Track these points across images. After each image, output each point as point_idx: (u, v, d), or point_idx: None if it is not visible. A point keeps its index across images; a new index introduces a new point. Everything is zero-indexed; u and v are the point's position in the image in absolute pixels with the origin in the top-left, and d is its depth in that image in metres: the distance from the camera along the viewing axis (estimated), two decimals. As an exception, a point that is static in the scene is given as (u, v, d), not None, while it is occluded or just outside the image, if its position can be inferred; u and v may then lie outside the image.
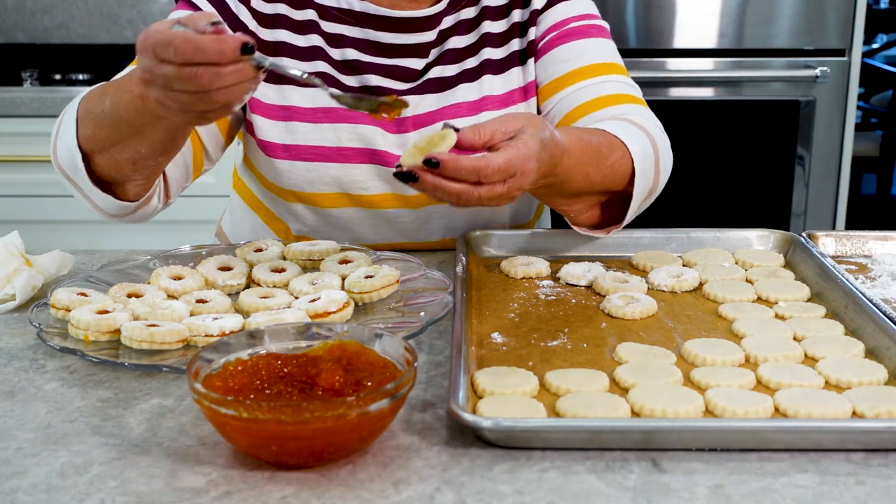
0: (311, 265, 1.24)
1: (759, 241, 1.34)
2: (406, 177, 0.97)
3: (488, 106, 1.38)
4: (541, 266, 1.26)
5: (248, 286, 1.19)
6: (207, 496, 0.77)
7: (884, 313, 1.04)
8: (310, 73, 1.06)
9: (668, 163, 1.32)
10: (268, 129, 1.36)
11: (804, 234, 1.32)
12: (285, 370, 0.86)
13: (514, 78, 1.41)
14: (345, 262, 1.22)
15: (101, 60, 3.00)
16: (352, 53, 1.37)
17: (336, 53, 1.37)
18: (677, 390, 0.90)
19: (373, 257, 1.26)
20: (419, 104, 1.37)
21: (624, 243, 1.34)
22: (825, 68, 2.62)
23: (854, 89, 2.68)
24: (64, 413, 0.91)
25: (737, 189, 2.72)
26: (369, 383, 0.83)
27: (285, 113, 1.36)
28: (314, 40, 1.37)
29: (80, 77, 2.84)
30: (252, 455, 0.82)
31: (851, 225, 2.92)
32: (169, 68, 0.94)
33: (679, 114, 2.68)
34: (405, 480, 0.79)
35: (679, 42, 2.66)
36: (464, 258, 1.24)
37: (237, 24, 1.36)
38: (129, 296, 1.12)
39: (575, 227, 1.31)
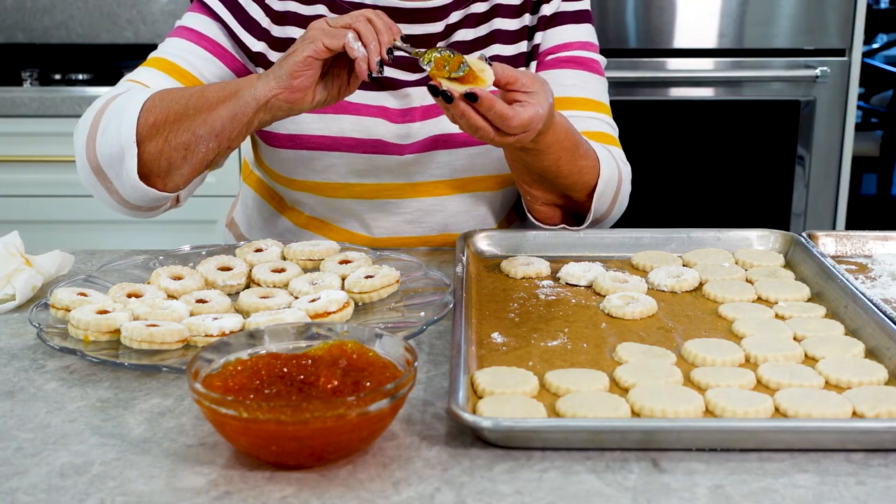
0: (311, 265, 1.24)
1: (759, 241, 1.34)
2: (443, 95, 1.08)
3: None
4: (541, 266, 1.26)
5: (248, 286, 1.19)
6: (207, 496, 0.77)
7: (884, 313, 1.04)
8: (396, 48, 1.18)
9: (625, 200, 1.41)
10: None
11: (804, 234, 1.32)
12: (285, 370, 0.86)
13: None
14: (345, 262, 1.22)
15: (100, 60, 3.00)
16: None
17: None
18: (677, 390, 0.90)
19: (373, 257, 1.26)
20: (425, 96, 1.38)
21: (624, 243, 1.34)
22: (825, 68, 2.62)
23: (854, 89, 2.68)
24: (64, 413, 0.91)
25: (737, 189, 2.72)
26: (369, 383, 0.83)
27: None
28: None
29: (80, 77, 2.84)
30: (252, 455, 0.82)
31: (851, 225, 2.91)
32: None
33: (679, 114, 2.68)
34: (405, 480, 0.79)
35: (679, 42, 2.66)
36: (464, 258, 1.24)
37: (249, 23, 1.37)
38: (129, 296, 1.12)
39: (530, 216, 1.37)
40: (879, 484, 0.79)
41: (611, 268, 1.27)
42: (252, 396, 0.82)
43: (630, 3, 2.60)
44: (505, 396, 0.89)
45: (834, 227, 2.77)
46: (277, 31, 1.38)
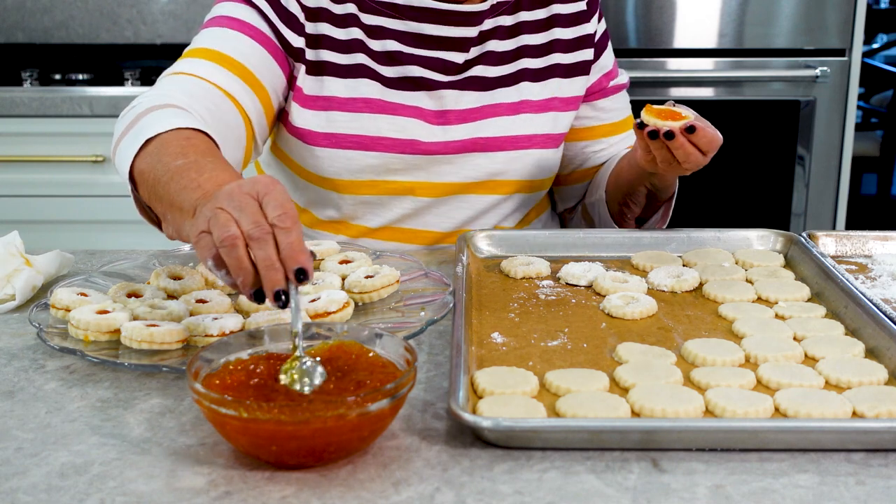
0: (311, 265, 1.24)
1: (759, 241, 1.34)
2: (666, 135, 1.20)
3: (526, 109, 1.43)
4: (541, 266, 1.26)
5: (248, 286, 1.19)
6: (207, 496, 0.77)
7: (884, 313, 1.04)
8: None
9: None
10: (307, 118, 1.38)
11: (804, 234, 1.32)
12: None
13: (553, 87, 1.45)
14: (345, 262, 1.22)
15: (100, 60, 3.00)
16: (392, 45, 1.39)
17: (376, 45, 1.39)
18: (677, 390, 0.90)
19: (373, 257, 1.26)
20: (460, 99, 1.41)
21: (624, 243, 1.34)
22: (825, 68, 2.62)
23: (854, 89, 2.68)
24: (64, 413, 0.91)
25: (737, 189, 2.71)
26: (369, 383, 0.83)
27: (325, 103, 1.38)
28: (354, 33, 1.38)
29: (80, 77, 2.84)
30: (252, 455, 0.82)
31: (851, 225, 2.92)
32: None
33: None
34: (405, 480, 0.79)
35: (679, 42, 2.66)
36: (464, 258, 1.24)
37: (289, 18, 1.36)
38: (129, 296, 1.12)
39: (611, 223, 1.47)
40: (879, 484, 0.79)
41: (611, 268, 1.27)
42: (252, 396, 0.82)
43: (630, 3, 2.60)
44: (505, 396, 0.89)
45: (834, 227, 2.77)
46: (310, 28, 1.38)
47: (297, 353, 0.86)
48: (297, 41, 1.36)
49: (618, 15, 2.60)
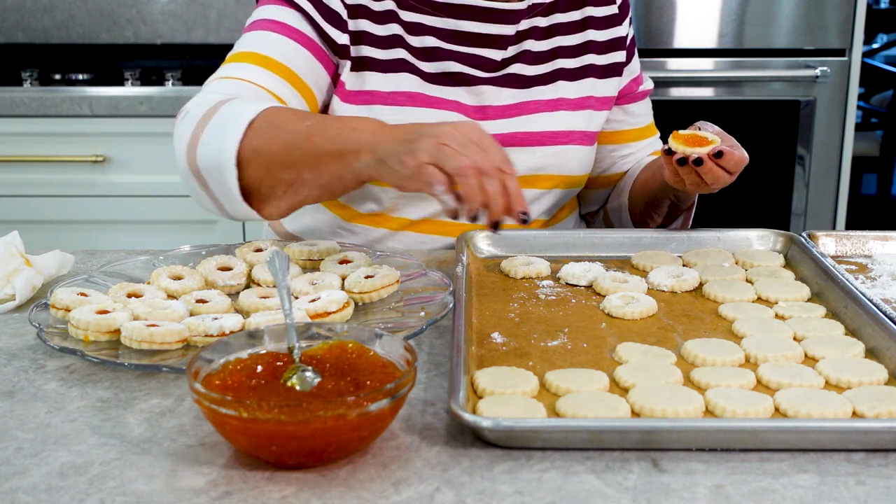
0: (311, 265, 1.24)
1: (759, 241, 1.34)
2: (695, 162, 1.23)
3: (563, 106, 1.46)
4: (541, 266, 1.26)
5: (248, 286, 1.19)
6: (207, 496, 0.77)
7: (884, 313, 1.04)
8: None
9: None
10: (349, 112, 1.38)
11: (804, 234, 1.32)
12: (285, 370, 0.86)
13: (588, 86, 1.48)
14: (345, 262, 1.22)
15: (100, 60, 3.00)
16: (431, 41, 1.41)
17: (415, 41, 1.40)
18: (677, 390, 0.90)
19: (373, 257, 1.26)
20: (498, 95, 1.43)
21: (624, 243, 1.34)
22: (825, 68, 2.62)
23: (854, 89, 2.68)
24: (64, 413, 0.91)
25: (737, 189, 2.71)
26: (369, 383, 0.83)
27: (367, 97, 1.38)
28: (393, 29, 1.40)
29: (80, 77, 2.84)
30: (252, 455, 0.82)
31: (851, 225, 2.91)
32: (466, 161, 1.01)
33: (679, 114, 2.67)
34: (405, 480, 0.79)
35: (679, 42, 2.66)
36: (464, 258, 1.24)
37: (332, 15, 1.37)
38: (129, 296, 1.12)
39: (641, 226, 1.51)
40: (879, 484, 0.79)
41: (611, 268, 1.27)
42: (252, 396, 0.82)
43: (630, 3, 2.60)
44: (505, 396, 0.89)
45: (834, 227, 2.77)
46: (352, 25, 1.38)
47: (296, 366, 0.87)
48: (342, 38, 1.37)
49: (618, 15, 2.60)
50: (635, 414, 0.88)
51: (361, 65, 1.39)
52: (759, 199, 2.74)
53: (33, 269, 1.21)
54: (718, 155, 1.23)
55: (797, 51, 2.65)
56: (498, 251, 1.33)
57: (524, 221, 1.04)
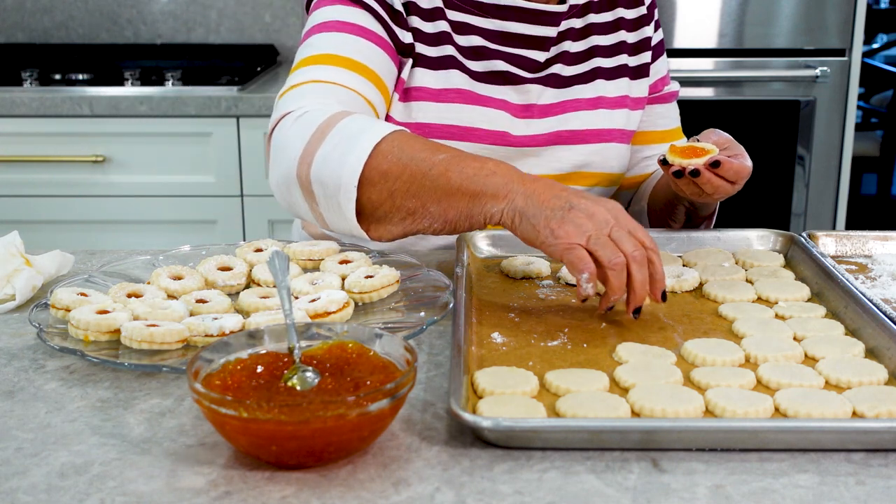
0: (311, 265, 1.24)
1: (759, 241, 1.34)
2: (692, 173, 1.23)
3: (603, 105, 1.48)
4: (541, 266, 1.26)
5: (248, 286, 1.19)
6: (207, 496, 0.77)
7: (884, 313, 1.04)
8: None
9: None
10: (400, 109, 1.39)
11: (804, 234, 1.32)
12: (285, 370, 0.86)
13: (624, 86, 1.51)
14: (345, 262, 1.22)
15: (100, 60, 3.00)
16: (477, 41, 1.42)
17: (462, 40, 1.42)
18: (677, 390, 0.90)
19: (373, 258, 1.26)
20: (542, 94, 1.45)
21: (624, 243, 1.34)
22: (825, 68, 2.62)
23: (854, 89, 2.68)
24: (64, 413, 0.91)
25: (737, 189, 2.71)
26: (369, 383, 0.83)
27: (417, 93, 1.39)
28: (441, 26, 1.41)
29: (80, 77, 2.84)
30: (252, 455, 0.82)
31: (851, 225, 2.92)
32: (612, 253, 1.02)
33: (679, 114, 2.67)
34: (405, 480, 0.79)
35: (679, 42, 2.66)
36: (464, 258, 1.24)
37: (394, 14, 1.38)
38: (129, 296, 1.12)
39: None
40: (879, 484, 0.79)
41: (611, 268, 1.27)
42: (252, 396, 0.82)
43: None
44: (505, 396, 0.89)
45: (834, 227, 2.77)
46: (406, 21, 1.40)
47: (296, 366, 0.87)
48: (406, 37, 1.38)
49: (618, 15, 2.60)
50: (635, 414, 0.88)
51: (415, 62, 1.40)
52: (759, 199, 2.74)
53: (33, 269, 1.21)
54: (715, 165, 1.23)
55: (797, 51, 2.66)
56: (498, 251, 1.33)
57: (663, 300, 1.06)
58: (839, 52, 2.66)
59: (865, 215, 4.21)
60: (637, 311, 1.05)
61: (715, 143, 1.28)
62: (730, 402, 0.87)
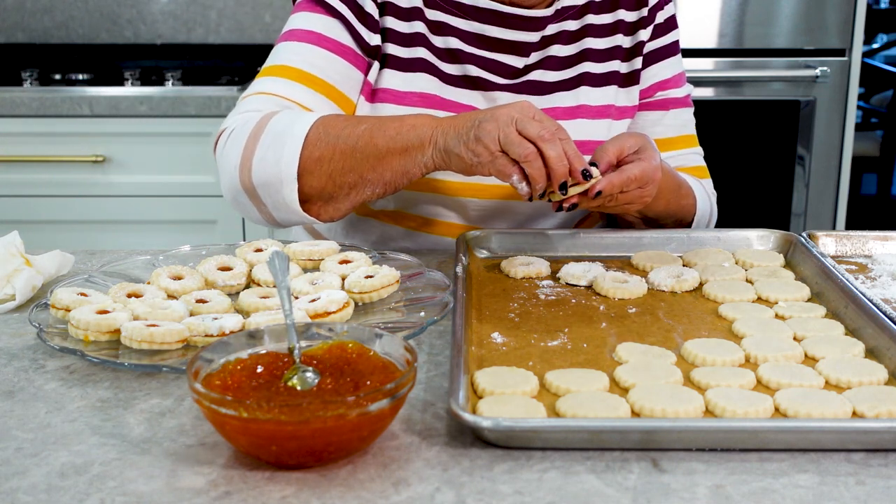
0: (311, 265, 1.24)
1: (759, 241, 1.34)
2: (573, 207, 1.18)
3: (583, 114, 1.43)
4: (541, 266, 1.26)
5: (248, 286, 1.19)
6: (207, 496, 0.77)
7: (884, 313, 1.04)
8: None
9: (712, 226, 1.53)
10: (365, 111, 1.39)
11: (804, 234, 1.32)
12: (285, 370, 0.86)
13: (611, 95, 1.46)
14: (345, 262, 1.22)
15: (100, 60, 3.00)
16: (454, 42, 1.40)
17: (438, 41, 1.40)
18: (677, 390, 0.90)
19: (373, 258, 1.26)
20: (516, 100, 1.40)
21: (624, 243, 1.34)
22: (825, 68, 2.62)
23: (854, 89, 2.68)
24: (64, 413, 0.91)
25: (737, 189, 2.71)
26: (369, 383, 0.84)
27: (382, 95, 1.38)
28: (417, 27, 1.39)
29: (80, 77, 2.84)
30: (252, 455, 0.82)
31: (851, 225, 2.92)
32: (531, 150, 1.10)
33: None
34: (405, 480, 0.79)
35: (679, 42, 2.66)
36: (464, 258, 1.24)
37: (364, 16, 1.37)
38: (129, 296, 1.12)
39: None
40: (879, 484, 0.79)
41: (611, 268, 1.27)
42: (252, 396, 0.82)
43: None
44: (505, 396, 0.89)
45: (834, 227, 2.77)
46: (381, 23, 1.39)
47: (296, 366, 0.87)
48: (374, 39, 1.37)
49: (618, 15, 2.60)
50: (635, 414, 0.88)
51: (383, 62, 1.39)
52: (759, 199, 2.74)
53: (33, 269, 1.21)
54: (598, 194, 1.18)
55: (797, 51, 2.66)
56: (498, 251, 1.34)
57: (587, 177, 1.13)
58: (839, 52, 2.66)
59: (865, 215, 4.21)
60: (561, 202, 1.14)
61: (618, 152, 1.22)
62: (730, 402, 0.87)
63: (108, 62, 2.98)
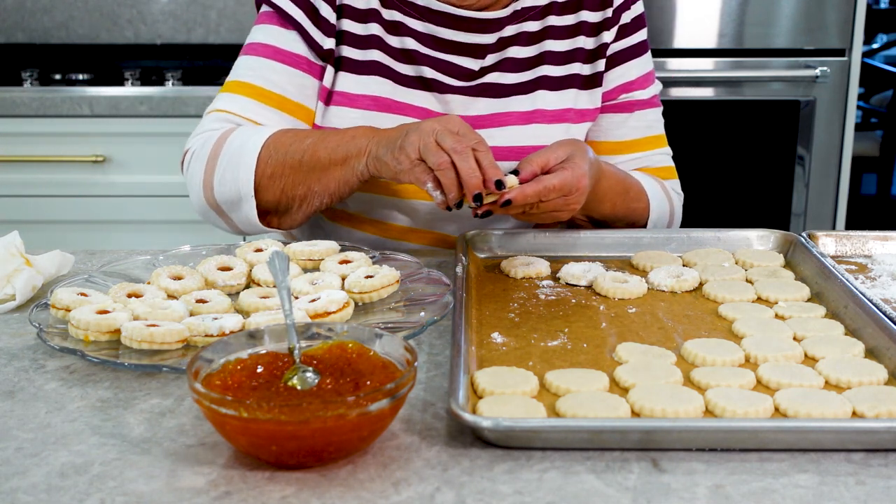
0: (311, 265, 1.24)
1: (759, 241, 1.34)
2: (486, 214, 1.19)
3: (539, 119, 1.41)
4: (541, 266, 1.26)
5: (248, 286, 1.19)
6: (207, 496, 0.77)
7: (884, 313, 1.04)
8: None
9: (677, 226, 1.51)
10: (319, 113, 1.39)
11: (804, 234, 1.32)
12: (285, 370, 0.86)
13: (570, 98, 1.43)
14: (345, 262, 1.22)
15: (100, 60, 3.00)
16: (411, 43, 1.39)
17: (395, 41, 1.40)
18: (677, 390, 0.90)
19: (373, 258, 1.26)
20: (471, 105, 1.40)
21: (624, 243, 1.34)
22: (825, 68, 2.62)
23: (854, 89, 2.68)
24: (64, 413, 0.91)
25: (737, 189, 2.72)
26: (369, 383, 0.83)
27: (337, 97, 1.38)
28: (372, 28, 1.39)
29: (80, 77, 2.84)
30: (252, 455, 0.82)
31: (851, 225, 2.92)
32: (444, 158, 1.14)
33: (679, 114, 2.67)
34: (405, 480, 0.79)
35: (679, 42, 2.66)
36: (464, 258, 1.24)
37: (318, 20, 1.37)
38: (129, 296, 1.12)
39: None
40: (879, 484, 0.79)
41: (611, 268, 1.27)
42: (252, 396, 0.82)
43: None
44: (505, 396, 0.89)
45: (834, 227, 2.77)
46: (337, 26, 1.39)
47: (296, 366, 0.87)
48: (328, 43, 1.38)
49: (618, 15, 2.59)
50: (635, 414, 0.88)
51: (339, 65, 1.39)
52: (759, 199, 2.74)
53: (33, 269, 1.21)
54: (506, 204, 1.18)
55: (797, 51, 2.66)
56: (498, 251, 1.33)
57: (499, 187, 1.14)
58: (839, 52, 2.66)
59: (865, 215, 4.20)
60: (477, 209, 1.16)
61: (544, 162, 1.21)
62: (730, 402, 0.87)
63: (108, 62, 2.98)
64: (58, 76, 2.83)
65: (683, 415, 0.86)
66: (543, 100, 1.42)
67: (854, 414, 0.87)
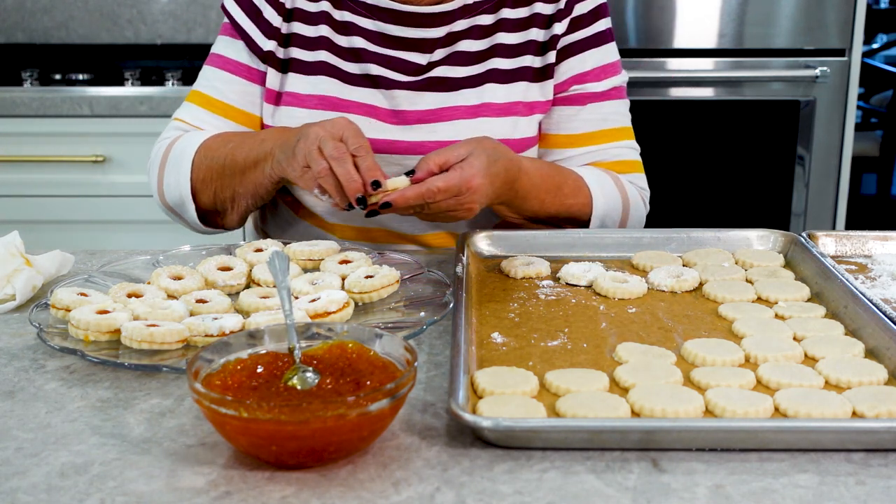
0: (311, 265, 1.24)
1: (759, 241, 1.34)
2: (372, 213, 1.19)
3: (486, 112, 1.40)
4: (541, 266, 1.26)
5: (248, 286, 1.19)
6: (207, 496, 0.77)
7: (884, 313, 1.04)
8: None
9: (638, 223, 1.47)
10: (269, 114, 1.42)
11: (804, 234, 1.32)
12: (285, 370, 0.86)
13: (519, 91, 1.42)
14: (345, 262, 1.22)
15: (100, 60, 3.00)
16: (359, 42, 1.41)
17: (343, 41, 1.41)
18: (677, 390, 0.90)
19: (373, 258, 1.26)
20: (418, 100, 1.40)
21: (624, 243, 1.34)
22: (825, 68, 2.62)
23: (854, 89, 2.68)
24: (64, 413, 0.91)
25: (737, 189, 2.71)
26: (369, 383, 0.83)
27: (286, 98, 1.40)
28: (322, 30, 1.41)
29: (80, 77, 2.84)
30: (252, 455, 0.82)
31: (851, 225, 2.91)
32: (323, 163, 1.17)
33: (679, 114, 2.68)
34: (405, 480, 0.79)
35: (679, 42, 2.66)
36: (464, 258, 1.24)
37: (262, 22, 1.41)
38: (129, 296, 1.12)
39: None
40: (879, 484, 0.79)
41: (611, 268, 1.27)
42: (252, 396, 0.82)
43: (630, 3, 2.60)
44: (505, 396, 0.89)
45: (834, 227, 2.77)
46: (284, 28, 1.42)
47: (296, 366, 0.87)
48: (268, 45, 1.41)
49: (618, 15, 2.60)
50: (635, 414, 0.88)
51: (287, 67, 1.42)
52: (759, 199, 2.74)
53: (33, 269, 1.21)
54: (387, 206, 1.17)
55: (797, 51, 2.66)
56: (498, 251, 1.33)
57: (376, 187, 1.15)
58: (839, 52, 2.66)
59: (865, 215, 4.20)
60: (371, 213, 1.18)
61: (442, 161, 1.20)
62: (730, 402, 0.87)
63: (108, 62, 2.98)
64: (58, 76, 2.83)
65: (683, 415, 0.86)
66: (492, 93, 1.41)
67: (854, 414, 0.87)
